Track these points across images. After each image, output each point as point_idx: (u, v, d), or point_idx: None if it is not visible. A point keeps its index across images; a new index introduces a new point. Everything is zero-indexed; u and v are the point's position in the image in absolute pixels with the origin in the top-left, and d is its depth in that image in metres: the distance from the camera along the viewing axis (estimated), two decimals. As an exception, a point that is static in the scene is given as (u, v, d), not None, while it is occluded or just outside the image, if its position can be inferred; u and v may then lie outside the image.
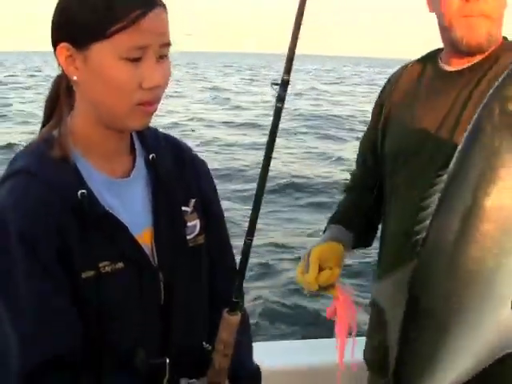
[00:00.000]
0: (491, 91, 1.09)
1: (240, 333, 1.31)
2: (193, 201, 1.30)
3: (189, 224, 1.28)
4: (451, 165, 1.10)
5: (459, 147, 1.10)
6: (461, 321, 1.12)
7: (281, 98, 1.26)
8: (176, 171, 1.30)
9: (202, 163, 1.40)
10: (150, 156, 1.26)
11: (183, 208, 1.28)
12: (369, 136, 1.84)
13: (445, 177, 1.11)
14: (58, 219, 1.10)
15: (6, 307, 1.08)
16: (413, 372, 1.18)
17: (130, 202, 1.22)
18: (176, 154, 1.33)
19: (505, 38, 1.65)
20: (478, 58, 1.61)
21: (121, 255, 1.15)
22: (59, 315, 1.10)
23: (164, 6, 1.14)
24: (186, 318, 1.27)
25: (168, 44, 1.14)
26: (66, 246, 1.10)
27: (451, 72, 1.65)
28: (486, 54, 1.60)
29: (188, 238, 1.28)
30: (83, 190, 1.12)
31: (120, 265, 1.15)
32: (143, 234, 1.22)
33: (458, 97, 1.59)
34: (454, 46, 1.61)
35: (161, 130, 1.39)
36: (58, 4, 1.15)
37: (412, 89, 1.73)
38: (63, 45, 1.12)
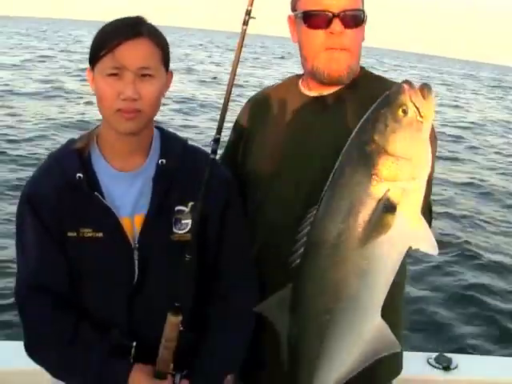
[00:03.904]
0: (352, 135, 1.26)
1: (220, 329, 1.61)
2: (191, 204, 1.59)
3: (183, 221, 1.60)
4: (321, 200, 1.29)
5: (327, 184, 1.28)
6: (335, 332, 1.33)
7: (213, 151, 1.61)
8: (183, 177, 1.60)
9: (220, 183, 1.63)
10: (160, 161, 1.60)
11: (180, 207, 1.59)
12: (228, 154, 1.93)
13: (314, 212, 1.31)
14: (56, 190, 1.55)
15: (17, 245, 1.59)
16: (301, 373, 1.40)
17: (130, 192, 1.58)
18: (191, 165, 1.62)
19: (362, 68, 1.75)
20: (337, 87, 1.70)
21: (102, 227, 1.54)
22: (50, 256, 1.54)
23: (150, 37, 1.55)
24: (154, 297, 1.56)
25: (144, 67, 1.54)
26: (59, 209, 1.55)
27: (312, 97, 1.74)
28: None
29: (177, 232, 1.60)
30: (80, 174, 1.54)
31: (100, 234, 1.54)
32: (135, 218, 1.57)
33: (316, 121, 1.70)
34: (315, 76, 1.69)
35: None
36: None
37: (273, 112, 1.81)
38: (88, 67, 1.59)
